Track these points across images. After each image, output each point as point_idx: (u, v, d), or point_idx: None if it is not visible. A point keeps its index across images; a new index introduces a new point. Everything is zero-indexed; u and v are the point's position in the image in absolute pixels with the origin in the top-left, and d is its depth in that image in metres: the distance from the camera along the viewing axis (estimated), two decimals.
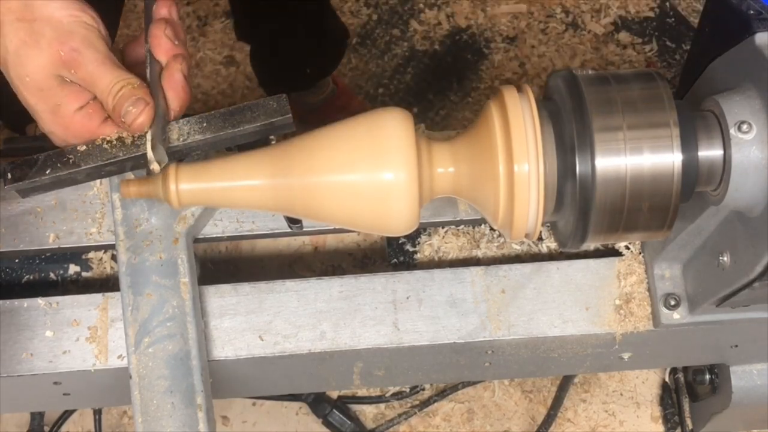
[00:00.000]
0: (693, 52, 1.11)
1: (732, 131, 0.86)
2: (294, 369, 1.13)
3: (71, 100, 0.89)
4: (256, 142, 0.95)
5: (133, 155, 0.90)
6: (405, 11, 2.21)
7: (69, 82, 0.89)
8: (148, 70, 0.92)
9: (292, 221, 1.05)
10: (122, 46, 0.97)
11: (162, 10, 0.94)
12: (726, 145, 0.87)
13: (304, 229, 1.09)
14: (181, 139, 0.92)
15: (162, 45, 0.92)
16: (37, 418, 1.60)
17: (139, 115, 0.88)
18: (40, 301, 1.09)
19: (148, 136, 0.90)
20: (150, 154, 0.90)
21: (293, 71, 1.85)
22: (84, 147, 0.91)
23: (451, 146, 0.91)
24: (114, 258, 1.16)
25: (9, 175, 0.91)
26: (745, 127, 0.86)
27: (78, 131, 0.90)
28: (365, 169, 0.88)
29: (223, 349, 1.08)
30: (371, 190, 0.88)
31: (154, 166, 0.90)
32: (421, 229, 1.18)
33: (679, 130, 0.85)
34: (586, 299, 1.10)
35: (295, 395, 1.64)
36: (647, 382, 1.68)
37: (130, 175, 1.01)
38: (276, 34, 1.76)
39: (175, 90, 0.92)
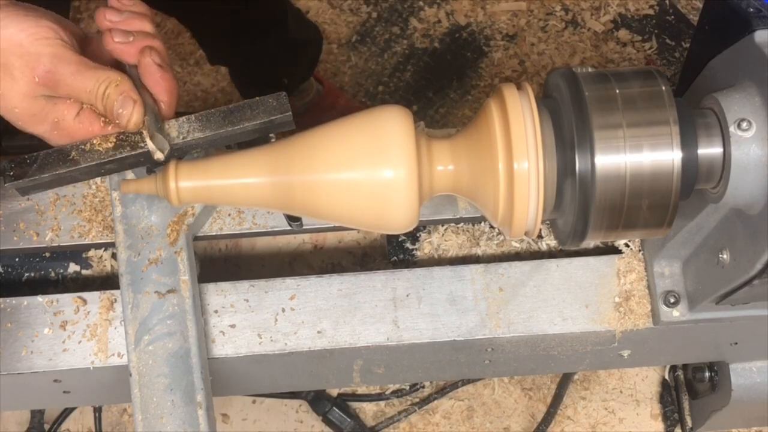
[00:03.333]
0: (693, 49, 1.11)
1: (732, 129, 0.86)
2: (294, 367, 1.13)
3: (65, 111, 0.89)
4: (256, 140, 0.95)
5: (132, 153, 0.90)
6: (405, 9, 2.21)
7: (57, 97, 0.89)
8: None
9: (292, 219, 1.05)
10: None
11: (104, 22, 0.91)
12: (726, 142, 0.87)
13: (304, 227, 1.09)
14: (180, 137, 0.92)
15: (120, 50, 0.90)
16: (37, 416, 1.61)
17: (132, 114, 0.88)
18: (41, 299, 1.09)
19: (145, 131, 0.90)
20: (150, 145, 0.90)
21: (271, 84, 1.85)
22: (83, 145, 0.91)
23: (451, 144, 0.92)
24: (114, 256, 1.16)
25: (9, 173, 0.91)
26: (744, 124, 0.86)
27: (83, 136, 0.90)
28: (365, 166, 0.88)
29: (223, 347, 1.08)
30: (371, 187, 0.88)
31: (158, 155, 0.90)
32: (421, 227, 1.18)
33: (679, 127, 0.85)
34: (585, 297, 1.10)
35: (295, 393, 1.64)
36: (647, 380, 1.68)
37: (129, 174, 1.01)
38: (246, 54, 1.76)
39: (156, 83, 0.90)
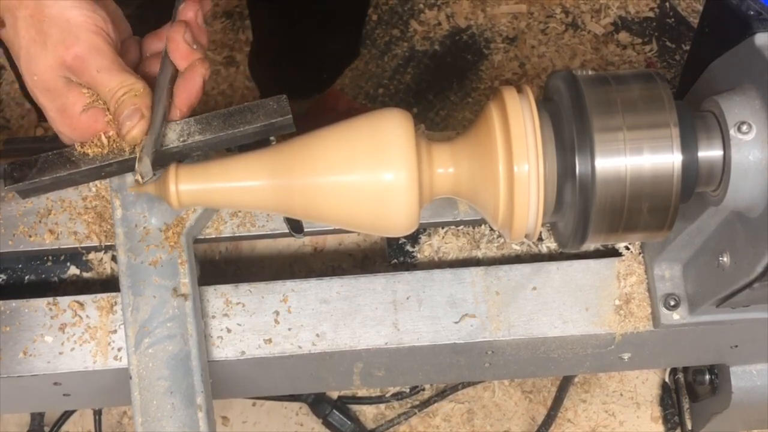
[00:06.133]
0: (693, 52, 1.11)
1: (732, 132, 0.86)
2: (294, 369, 1.13)
3: (77, 101, 0.89)
4: (256, 143, 0.95)
5: (132, 156, 0.91)
6: (405, 11, 2.21)
7: (75, 83, 0.89)
8: (160, 71, 0.92)
9: (294, 230, 1.05)
10: (143, 37, 0.97)
11: (188, 13, 0.94)
12: (726, 145, 0.87)
13: (304, 230, 1.09)
14: (181, 140, 0.92)
15: (180, 49, 0.92)
16: (37, 419, 1.61)
17: (133, 128, 0.89)
18: (41, 302, 1.09)
19: (138, 149, 0.90)
20: (136, 165, 0.90)
21: (315, 74, 1.84)
22: (84, 148, 0.91)
23: (451, 147, 0.92)
24: (114, 259, 1.16)
25: (9, 176, 0.91)
26: (744, 127, 0.86)
27: (84, 132, 0.91)
28: (365, 169, 0.88)
29: (223, 350, 1.08)
30: (371, 190, 0.88)
31: (137, 178, 0.90)
32: (421, 230, 1.18)
33: (679, 130, 0.85)
34: (586, 299, 1.10)
35: (295, 395, 1.64)
36: (647, 383, 1.68)
37: (129, 176, 1.01)
38: (311, 33, 1.71)
39: (188, 94, 0.92)
